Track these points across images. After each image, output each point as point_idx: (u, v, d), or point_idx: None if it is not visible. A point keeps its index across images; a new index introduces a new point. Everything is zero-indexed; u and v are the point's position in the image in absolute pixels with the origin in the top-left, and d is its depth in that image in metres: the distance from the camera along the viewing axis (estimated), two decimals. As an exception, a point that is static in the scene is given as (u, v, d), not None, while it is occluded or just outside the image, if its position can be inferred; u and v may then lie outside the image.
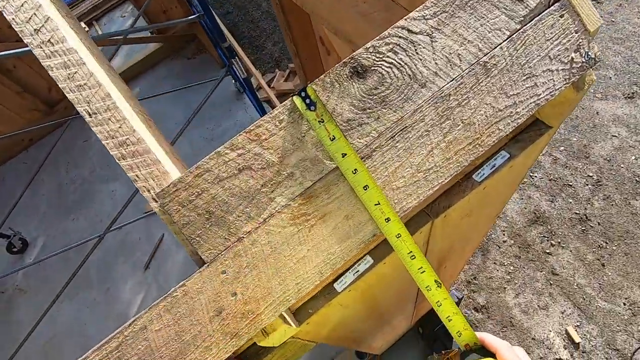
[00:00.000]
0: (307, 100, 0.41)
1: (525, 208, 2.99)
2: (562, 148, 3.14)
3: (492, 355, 0.45)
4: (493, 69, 0.45)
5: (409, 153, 0.44)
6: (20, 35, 0.40)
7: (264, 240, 0.41)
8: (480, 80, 0.45)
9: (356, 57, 0.43)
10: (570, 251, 2.77)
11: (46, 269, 3.33)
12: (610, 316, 2.52)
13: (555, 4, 0.47)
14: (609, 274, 2.65)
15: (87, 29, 4.57)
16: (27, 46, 0.41)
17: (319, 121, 0.42)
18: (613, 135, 3.11)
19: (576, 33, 0.47)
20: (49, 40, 0.41)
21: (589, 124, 3.19)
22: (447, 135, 0.45)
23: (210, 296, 0.40)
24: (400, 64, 0.44)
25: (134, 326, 0.39)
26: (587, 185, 2.97)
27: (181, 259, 3.27)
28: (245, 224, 0.41)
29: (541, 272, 2.75)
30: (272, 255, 0.41)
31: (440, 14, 0.45)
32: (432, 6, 0.45)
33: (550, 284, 2.69)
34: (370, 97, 0.43)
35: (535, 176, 3.08)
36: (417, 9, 0.44)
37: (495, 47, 0.45)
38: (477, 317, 2.67)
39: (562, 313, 2.59)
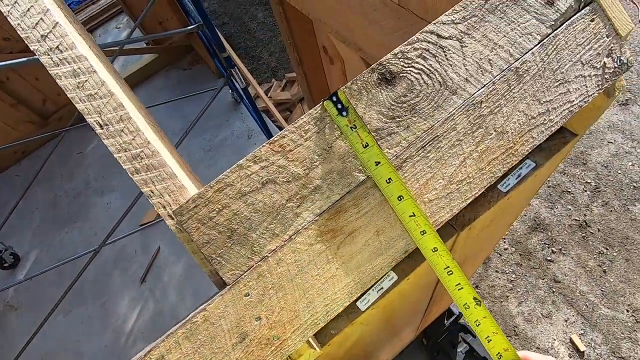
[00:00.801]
0: (339, 105, 0.39)
1: (525, 215, 2.98)
2: (560, 155, 3.16)
3: None
4: (525, 75, 0.43)
5: (440, 164, 0.42)
6: (26, 42, 0.37)
7: (290, 259, 0.38)
8: (513, 87, 0.43)
9: (384, 62, 0.41)
10: (572, 258, 2.76)
11: (39, 284, 3.24)
12: (614, 323, 2.50)
13: (586, 8, 0.45)
14: (611, 280, 2.64)
15: (81, 40, 4.55)
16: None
17: (350, 127, 0.39)
18: (609, 142, 3.13)
19: (608, 37, 0.45)
20: (57, 47, 0.38)
21: (585, 130, 3.22)
22: (480, 145, 0.42)
23: (233, 321, 0.37)
24: (429, 70, 0.42)
25: (150, 356, 0.36)
26: (586, 191, 2.97)
27: (178, 272, 3.20)
28: (270, 242, 0.38)
29: (543, 279, 2.73)
30: (298, 276, 0.38)
31: (470, 18, 0.43)
32: (461, 10, 0.43)
33: (553, 292, 2.67)
34: (400, 104, 0.41)
35: (534, 183, 3.08)
36: (446, 13, 0.43)
37: (527, 52, 0.44)
38: (481, 326, 2.63)
39: (566, 321, 2.56)
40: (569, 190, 3.00)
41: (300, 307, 0.38)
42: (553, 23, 0.44)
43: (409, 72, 0.42)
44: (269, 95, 3.73)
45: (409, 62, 0.42)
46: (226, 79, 2.02)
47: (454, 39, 0.42)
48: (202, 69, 3.98)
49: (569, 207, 2.94)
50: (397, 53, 0.41)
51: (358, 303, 0.52)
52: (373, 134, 0.40)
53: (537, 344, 2.53)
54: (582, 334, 2.50)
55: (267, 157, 0.39)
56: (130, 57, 4.04)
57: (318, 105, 0.40)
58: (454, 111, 0.42)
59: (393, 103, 0.41)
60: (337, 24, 0.90)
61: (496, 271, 2.82)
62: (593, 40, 0.45)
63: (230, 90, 3.51)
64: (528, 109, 0.43)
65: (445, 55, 0.42)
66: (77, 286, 2.32)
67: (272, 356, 0.37)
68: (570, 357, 2.45)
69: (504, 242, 2.92)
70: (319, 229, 0.39)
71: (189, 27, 1.73)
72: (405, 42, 0.42)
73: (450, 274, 0.41)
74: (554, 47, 0.44)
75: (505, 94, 0.43)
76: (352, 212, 0.40)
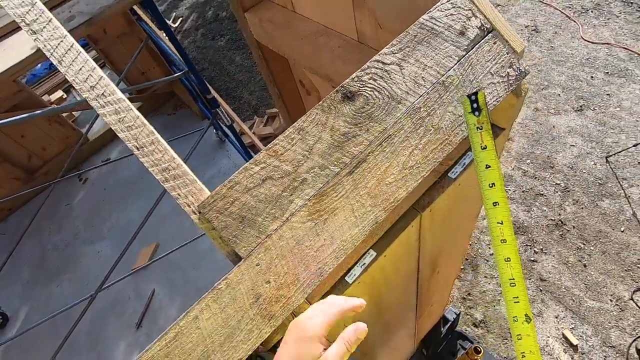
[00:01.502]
0: (474, 105, 0.50)
1: (505, 220, 3.14)
2: (529, 161, 3.39)
3: None
4: (450, 86, 0.59)
5: (395, 155, 0.55)
6: (79, 92, 0.50)
7: (289, 235, 0.50)
8: (442, 95, 0.58)
9: (345, 85, 0.56)
10: (553, 256, 2.91)
11: (30, 341, 3.16)
12: (601, 314, 2.62)
13: (489, 34, 0.62)
14: (592, 273, 2.78)
15: (65, 95, 4.69)
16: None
17: (477, 127, 0.51)
18: (571, 145, 3.39)
19: (507, 54, 0.62)
20: (102, 93, 0.51)
21: (548, 137, 3.48)
22: (423, 139, 0.56)
23: (249, 285, 0.48)
24: (379, 87, 0.56)
25: (188, 317, 0.46)
26: (557, 192, 3.18)
27: (174, 313, 3.18)
28: (272, 223, 0.50)
29: (530, 279, 2.85)
30: (296, 247, 0.50)
31: (405, 48, 0.58)
32: (397, 43, 0.58)
33: (540, 290, 2.79)
34: (360, 114, 0.55)
35: (509, 189, 3.28)
36: (386, 47, 0.58)
37: (449, 69, 0.59)
38: (477, 332, 2.71)
39: (556, 317, 2.66)
40: (542, 192, 3.21)
41: (299, 271, 0.50)
42: (466, 47, 0.60)
43: (364, 90, 0.56)
44: (252, 131, 3.90)
45: (364, 83, 0.56)
46: (212, 119, 2.17)
47: (395, 64, 0.58)
48: (185, 112, 4.15)
49: (544, 208, 3.13)
50: (354, 77, 0.56)
51: (346, 277, 0.63)
52: (342, 136, 0.54)
53: (533, 344, 2.60)
54: (573, 328, 2.60)
55: (264, 160, 0.52)
56: (114, 107, 4.18)
57: (299, 120, 0.54)
58: (400, 116, 0.56)
59: (355, 114, 0.55)
60: (309, 61, 1.07)
61: (485, 277, 2.94)
62: (497, 57, 0.61)
63: (214, 130, 3.66)
64: (455, 110, 0.58)
65: (390, 76, 0.57)
66: (70, 338, 2.30)
67: (281, 310, 0.48)
68: (565, 352, 2.53)
69: (489, 248, 3.06)
70: (308, 210, 0.51)
71: (175, 75, 1.89)
72: (359, 69, 0.57)
73: (513, 285, 0.47)
74: (469, 63, 0.60)
75: (437, 100, 0.58)
76: (332, 196, 0.52)
